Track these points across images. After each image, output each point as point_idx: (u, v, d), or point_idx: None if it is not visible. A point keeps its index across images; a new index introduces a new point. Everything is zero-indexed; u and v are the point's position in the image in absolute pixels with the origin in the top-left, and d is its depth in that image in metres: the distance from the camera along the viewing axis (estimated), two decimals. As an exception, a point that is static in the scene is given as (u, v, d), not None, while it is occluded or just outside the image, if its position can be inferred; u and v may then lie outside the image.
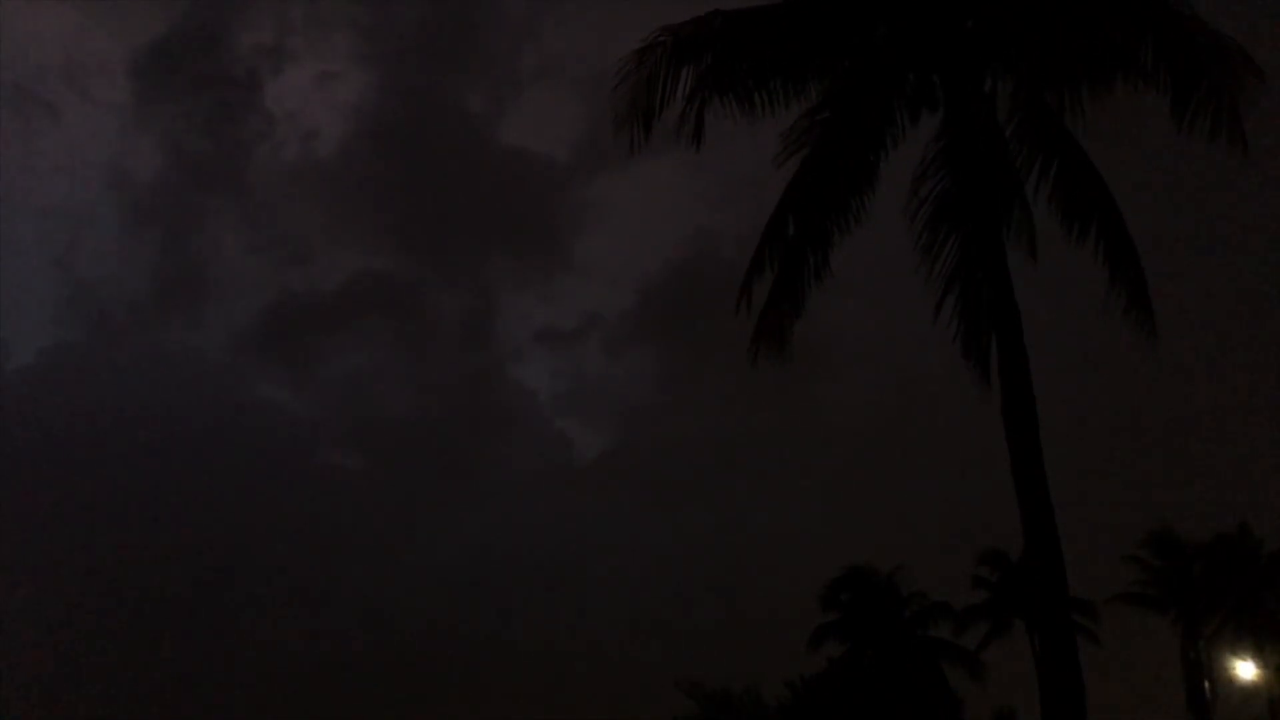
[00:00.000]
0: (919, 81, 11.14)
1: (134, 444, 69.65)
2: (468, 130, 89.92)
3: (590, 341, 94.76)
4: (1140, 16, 10.28)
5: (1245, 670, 39.83)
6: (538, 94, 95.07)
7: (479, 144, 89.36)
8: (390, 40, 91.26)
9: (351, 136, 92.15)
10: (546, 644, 61.19)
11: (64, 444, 65.95)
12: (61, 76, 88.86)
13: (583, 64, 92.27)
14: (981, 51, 10.97)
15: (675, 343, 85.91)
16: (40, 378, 70.48)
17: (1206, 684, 40.25)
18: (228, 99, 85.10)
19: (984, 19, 11.03)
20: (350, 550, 72.50)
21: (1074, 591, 11.05)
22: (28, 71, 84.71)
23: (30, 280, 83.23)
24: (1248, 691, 39.91)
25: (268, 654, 59.64)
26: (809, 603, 39.26)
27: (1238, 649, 39.86)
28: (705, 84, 10.77)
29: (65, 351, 74.33)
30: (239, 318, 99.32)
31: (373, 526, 74.98)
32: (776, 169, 10.98)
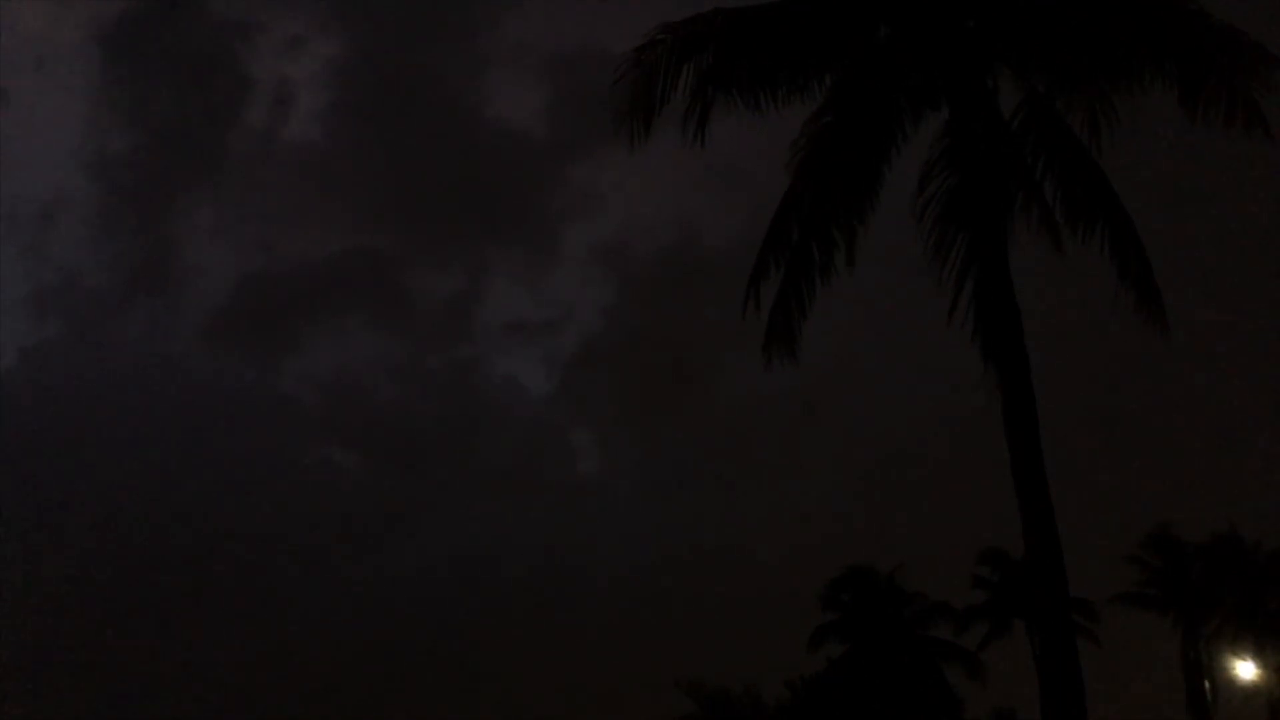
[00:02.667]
0: (921, 81, 11.12)
1: (125, 442, 69.27)
2: (445, 102, 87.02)
3: (575, 333, 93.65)
4: (1144, 11, 10.27)
5: (1245, 670, 39.84)
6: (517, 68, 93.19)
7: (457, 117, 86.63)
8: (364, 9, 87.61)
9: (326, 109, 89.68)
10: (544, 643, 61.20)
11: (59, 445, 65.56)
12: (27, 62, 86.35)
13: (564, 39, 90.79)
14: (984, 50, 10.97)
15: (666, 336, 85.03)
16: (28, 379, 69.22)
17: (1206, 684, 40.27)
18: (198, 73, 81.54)
19: (986, 18, 11.02)
20: (343, 546, 72.32)
21: (1074, 591, 11.03)
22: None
23: (5, 276, 79.65)
24: (1248, 691, 39.93)
25: (259, 651, 59.43)
26: (809, 603, 39.35)
27: (1238, 649, 39.87)
28: (710, 82, 10.76)
29: (49, 349, 73.14)
30: (219, 300, 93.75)
31: (364, 521, 74.54)
32: (786, 174, 11.00)
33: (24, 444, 60.35)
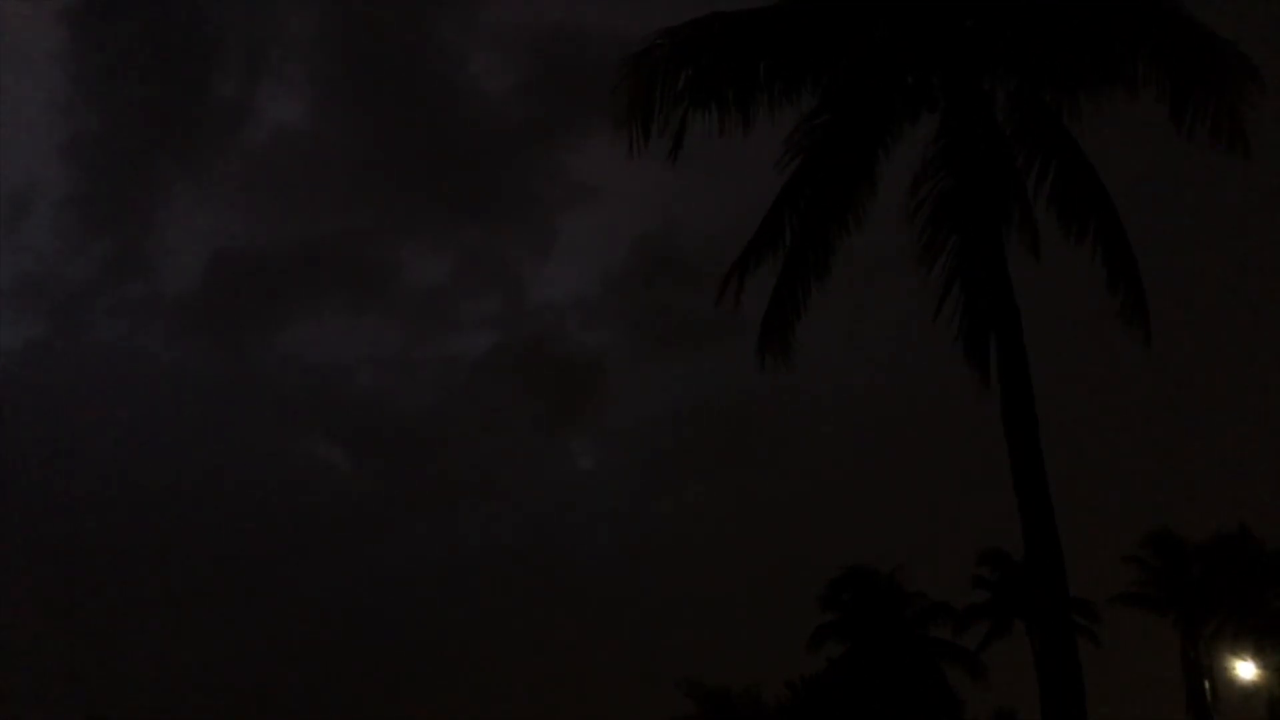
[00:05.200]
0: (917, 82, 11.15)
1: (103, 437, 68.80)
2: (426, 79, 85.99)
3: (566, 323, 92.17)
4: (1137, 19, 10.29)
5: (1245, 670, 39.87)
6: (501, 45, 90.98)
7: (439, 94, 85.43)
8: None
9: (304, 83, 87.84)
10: (544, 643, 61.21)
11: (41, 442, 64.96)
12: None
13: (546, 16, 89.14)
14: (980, 52, 10.99)
15: (663, 327, 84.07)
16: (11, 378, 68.87)
17: (1206, 684, 40.29)
18: (170, 47, 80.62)
19: (982, 20, 11.04)
20: (330, 542, 71.88)
21: (1074, 591, 11.06)
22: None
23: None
24: (1248, 691, 39.96)
25: (246, 648, 59.09)
26: (809, 603, 39.37)
27: (1238, 649, 39.89)
28: (694, 89, 10.75)
29: (31, 345, 73.21)
30: (198, 286, 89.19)
31: (351, 517, 73.93)
32: (778, 174, 11.04)
33: (6, 442, 60.02)
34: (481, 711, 56.12)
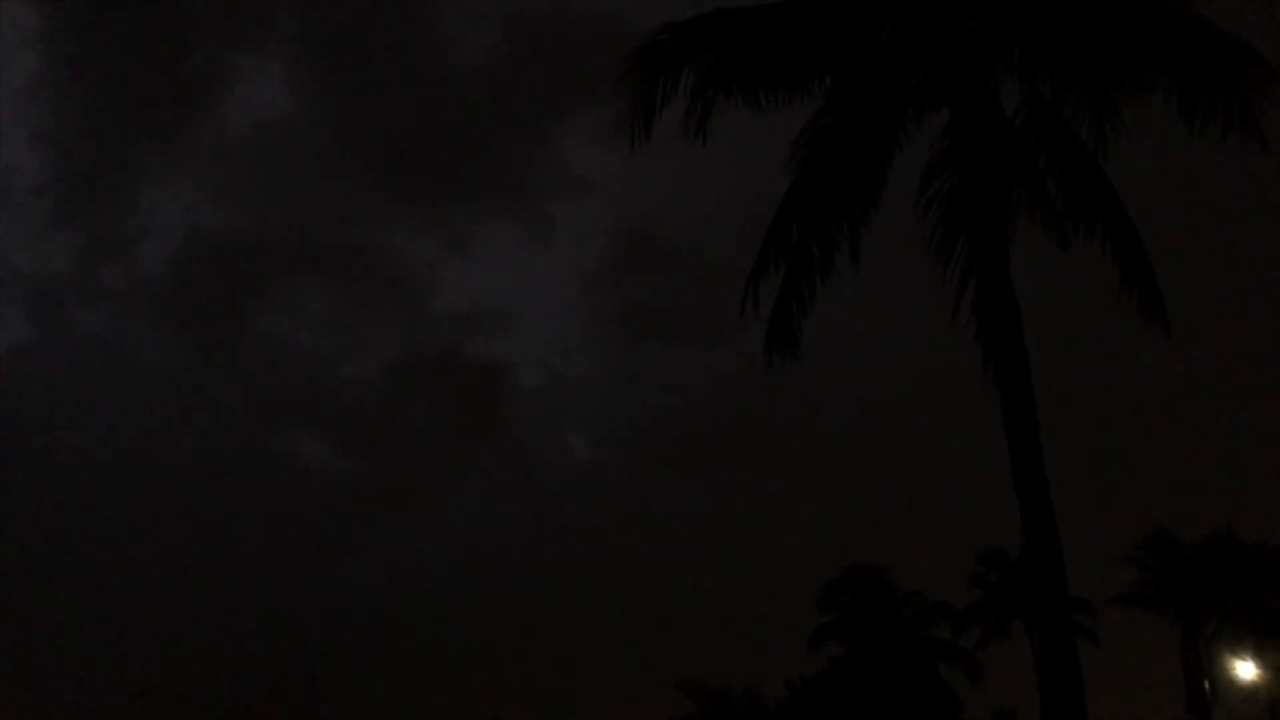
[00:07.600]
0: (922, 81, 11.13)
1: (88, 433, 68.30)
2: (412, 64, 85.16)
3: (562, 316, 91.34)
4: (1143, 17, 10.27)
5: (1245, 670, 39.89)
6: (483, 22, 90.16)
7: (425, 77, 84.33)
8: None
9: (283, 61, 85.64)
10: (542, 643, 61.15)
11: (22, 438, 64.62)
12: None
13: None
14: (985, 51, 10.97)
15: (662, 318, 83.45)
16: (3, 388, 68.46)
17: (1206, 684, 40.28)
18: (143, 30, 79.14)
19: (987, 19, 11.02)
20: (330, 541, 71.48)
21: (1074, 591, 11.04)
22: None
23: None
24: (1248, 691, 39.97)
25: (237, 648, 58.84)
26: (809, 603, 39.38)
27: (1238, 649, 39.91)
28: (712, 82, 10.74)
29: (19, 355, 71.86)
30: (180, 276, 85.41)
31: (354, 520, 73.40)
32: (786, 175, 11.04)
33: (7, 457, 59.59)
34: (478, 712, 56.10)
